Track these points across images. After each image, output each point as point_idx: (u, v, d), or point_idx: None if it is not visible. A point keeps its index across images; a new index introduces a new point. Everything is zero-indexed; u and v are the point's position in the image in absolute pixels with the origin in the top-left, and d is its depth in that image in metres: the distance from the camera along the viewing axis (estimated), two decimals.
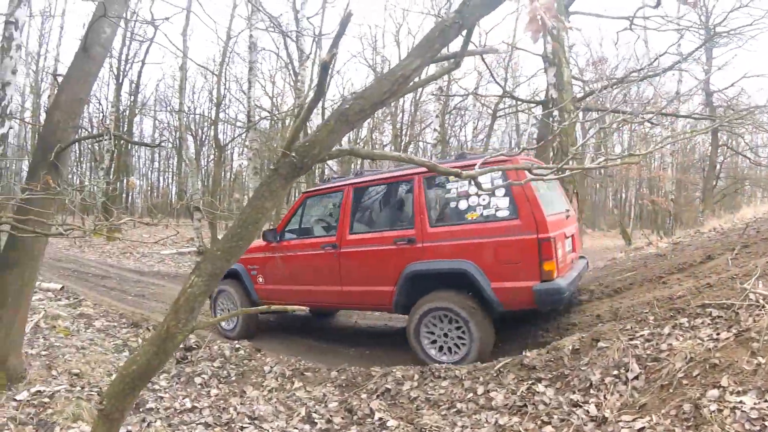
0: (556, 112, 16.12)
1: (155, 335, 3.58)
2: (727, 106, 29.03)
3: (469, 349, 7.61)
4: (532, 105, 27.39)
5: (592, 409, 5.27)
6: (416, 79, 3.49)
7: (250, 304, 10.28)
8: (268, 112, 36.43)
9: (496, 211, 7.50)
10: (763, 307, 5.49)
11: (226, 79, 36.99)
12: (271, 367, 8.22)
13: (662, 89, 32.97)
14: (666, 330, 5.97)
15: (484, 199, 7.63)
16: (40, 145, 6.81)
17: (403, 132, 39.22)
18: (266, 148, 31.59)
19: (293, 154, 3.33)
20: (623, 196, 48.56)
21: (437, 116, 29.08)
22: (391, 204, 8.89)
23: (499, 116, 35.70)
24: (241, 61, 47.75)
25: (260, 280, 10.18)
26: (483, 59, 19.01)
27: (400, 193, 8.77)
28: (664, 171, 38.99)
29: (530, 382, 6.11)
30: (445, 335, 7.85)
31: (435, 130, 28.13)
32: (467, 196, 7.82)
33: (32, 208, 5.51)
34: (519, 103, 29.78)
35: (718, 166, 35.77)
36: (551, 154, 14.83)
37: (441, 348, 7.90)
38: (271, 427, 6.36)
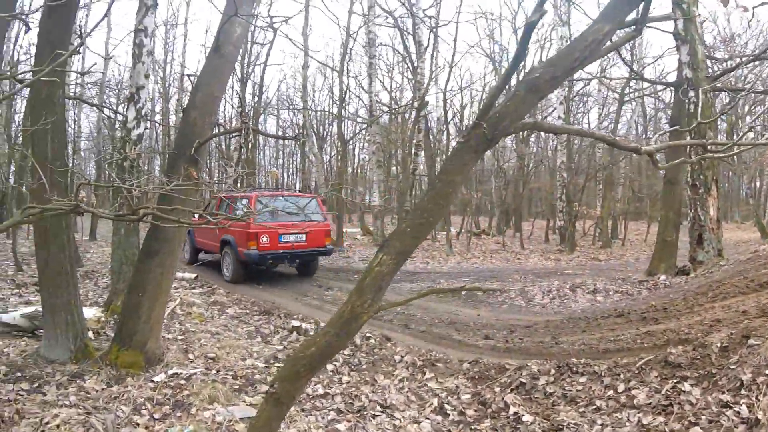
0: (691, 93, 15.31)
1: (336, 317, 3.55)
2: None
3: (231, 273, 16.37)
4: (663, 87, 26.26)
5: (744, 411, 5.00)
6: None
7: (192, 251, 19.50)
8: (387, 106, 36.64)
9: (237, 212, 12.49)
10: None
11: (346, 75, 37.47)
12: (402, 357, 8.27)
13: None
14: None
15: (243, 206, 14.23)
16: (179, 142, 7.17)
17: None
18: (388, 141, 31.78)
19: (485, 126, 3.24)
20: (758, 184, 45.96)
21: (561, 103, 28.26)
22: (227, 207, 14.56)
23: (626, 101, 34.40)
24: (358, 59, 48.35)
25: (196, 236, 19.08)
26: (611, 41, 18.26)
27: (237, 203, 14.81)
28: None
29: (675, 380, 5.87)
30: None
31: (559, 117, 27.34)
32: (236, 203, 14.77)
33: (175, 197, 5.77)
34: (647, 86, 28.64)
35: None
36: (688, 137, 14.08)
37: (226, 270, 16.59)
38: (403, 416, 6.38)
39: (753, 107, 34.26)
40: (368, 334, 9.08)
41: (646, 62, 35.26)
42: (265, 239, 15.41)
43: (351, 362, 8.16)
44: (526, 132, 32.55)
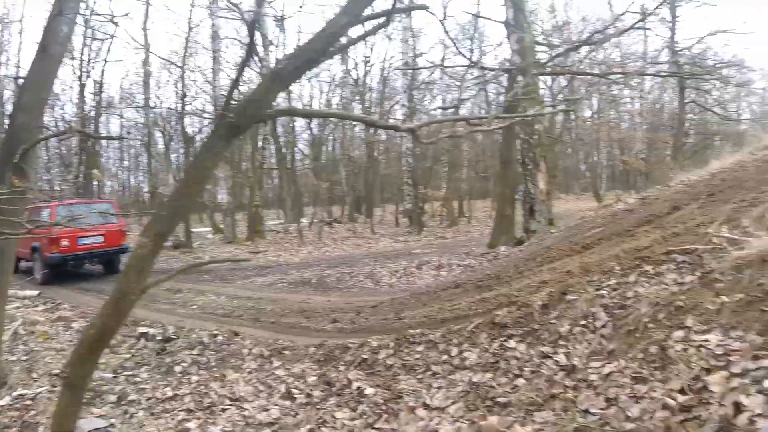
0: (519, 78, 16.14)
1: (110, 298, 3.64)
2: (693, 63, 29.30)
3: (41, 276, 17.22)
4: (499, 74, 27.34)
5: (562, 359, 5.34)
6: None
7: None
8: (235, 100, 36.05)
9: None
10: (726, 249, 5.55)
11: (191, 70, 36.56)
12: (250, 350, 8.34)
13: (628, 50, 33.22)
14: (632, 278, 6.03)
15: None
16: (4, 149, 6.76)
17: (372, 109, 39.05)
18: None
19: (230, 115, 3.34)
20: (595, 159, 48.75)
21: (404, 92, 28.92)
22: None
23: (469, 88, 35.53)
24: (205, 52, 47.31)
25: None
26: (446, 31, 19.02)
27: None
28: (634, 131, 39.19)
29: (502, 339, 6.17)
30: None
31: (404, 105, 28.02)
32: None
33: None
34: (486, 72, 29.73)
35: (687, 123, 36.00)
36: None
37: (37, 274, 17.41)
38: (252, 406, 6.46)
39: (589, 88, 36.24)
40: (215, 332, 9.05)
41: (488, 50, 36.54)
42: (65, 243, 17.34)
43: (200, 361, 8.15)
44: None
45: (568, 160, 51.21)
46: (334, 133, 42.68)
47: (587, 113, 46.60)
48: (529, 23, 17.84)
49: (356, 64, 38.88)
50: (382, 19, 3.63)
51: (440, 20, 19.41)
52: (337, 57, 35.59)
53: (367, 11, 3.41)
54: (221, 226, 30.22)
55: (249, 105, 3.35)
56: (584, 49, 21.22)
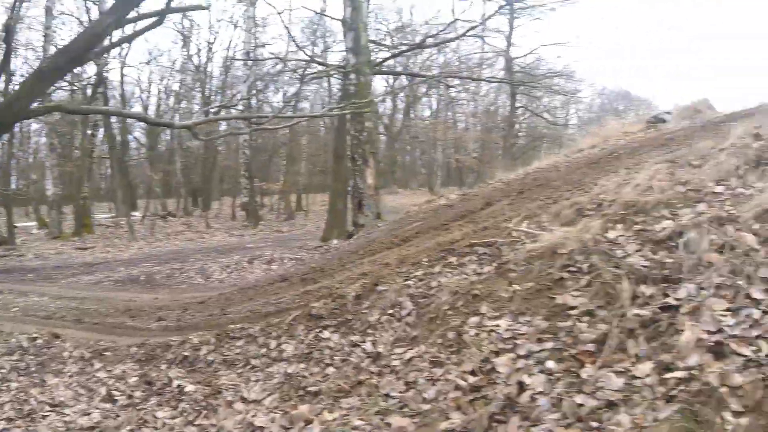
0: (353, 76, 16.45)
1: None
2: (525, 72, 31.12)
3: None
4: (339, 70, 27.67)
5: (369, 347, 5.56)
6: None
7: None
8: (69, 82, 34.37)
9: None
10: (523, 242, 5.96)
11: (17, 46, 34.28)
12: (71, 352, 8.12)
13: (468, 55, 34.55)
14: (437, 269, 6.36)
15: None
16: None
17: (212, 99, 38.26)
18: (65, 122, 29.79)
19: None
20: (432, 156, 50.27)
21: (244, 82, 28.67)
22: None
23: (314, 82, 35.60)
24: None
25: None
26: (285, 25, 19.01)
27: None
28: (468, 132, 40.76)
29: (317, 330, 6.32)
30: None
31: (242, 98, 27.74)
32: None
33: None
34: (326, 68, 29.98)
35: (518, 126, 37.98)
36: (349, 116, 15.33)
37: None
38: (73, 411, 6.33)
39: (429, 90, 37.34)
40: (35, 335, 8.74)
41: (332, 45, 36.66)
42: None
43: (19, 367, 7.88)
44: None
45: (406, 156, 52.55)
46: None
47: (426, 113, 48.08)
48: (366, 23, 18.17)
49: (198, 50, 37.87)
50: (154, 19, 3.65)
51: (278, 13, 19.35)
52: (178, 41, 34.63)
53: (139, 11, 3.43)
54: (47, 220, 28.60)
55: (12, 104, 3.29)
56: (427, 51, 22.09)
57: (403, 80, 33.98)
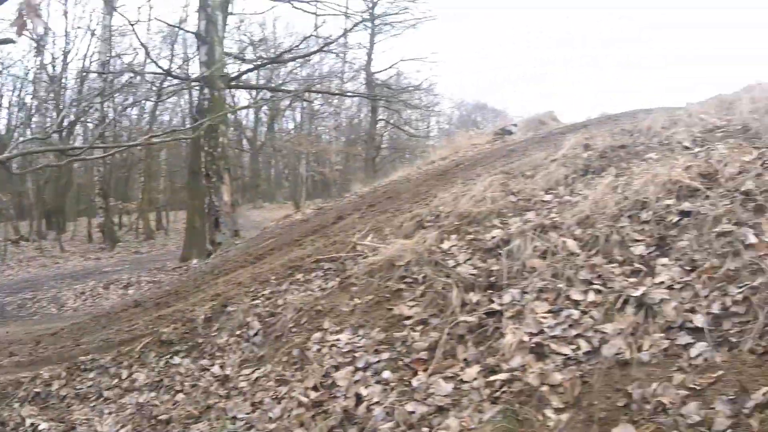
0: (206, 90, 16.28)
1: None
2: (384, 86, 31.75)
3: None
4: (192, 85, 27.18)
5: (217, 370, 5.55)
6: None
7: None
8: None
9: None
10: (366, 255, 6.09)
11: None
12: None
13: (330, 69, 34.77)
14: (284, 286, 6.43)
15: None
16: None
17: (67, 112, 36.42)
18: None
19: None
20: (297, 169, 50.22)
21: (97, 95, 27.61)
22: None
23: (172, 95, 34.64)
24: None
25: None
26: (138, 37, 18.56)
27: None
28: (330, 144, 41.01)
29: (168, 356, 6.23)
30: None
31: (96, 110, 26.70)
32: None
33: None
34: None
35: (379, 138, 38.59)
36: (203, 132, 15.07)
37: None
38: None
39: (292, 103, 37.28)
40: None
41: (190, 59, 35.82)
42: None
43: None
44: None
45: (271, 169, 52.22)
46: None
47: (291, 125, 47.97)
48: (221, 37, 17.98)
49: (53, 59, 35.84)
50: None
51: (131, 24, 18.81)
52: (32, 48, 32.84)
53: None
54: None
55: None
56: (291, 64, 22.04)
57: (267, 93, 33.75)
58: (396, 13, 26.00)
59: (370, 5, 29.35)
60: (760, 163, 5.25)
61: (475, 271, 4.82)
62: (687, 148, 6.35)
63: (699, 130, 6.92)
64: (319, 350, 4.90)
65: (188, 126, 24.23)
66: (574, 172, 6.42)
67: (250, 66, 23.18)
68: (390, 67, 32.97)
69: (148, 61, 29.08)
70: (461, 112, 51.32)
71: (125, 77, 28.36)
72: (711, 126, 7.00)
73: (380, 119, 37.61)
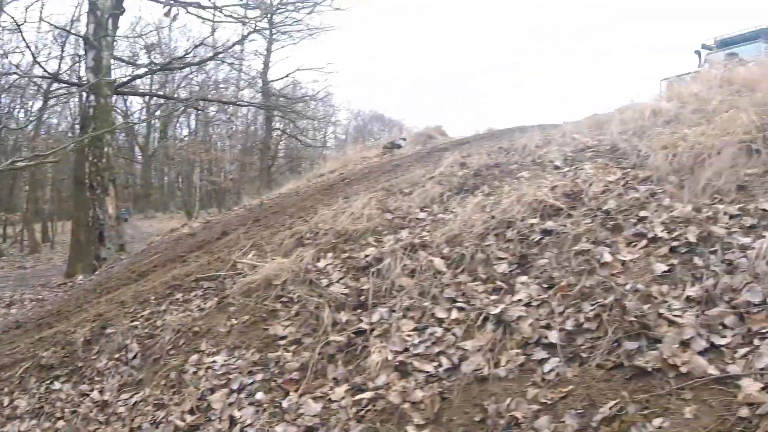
0: (92, 96, 15.85)
1: None
2: (280, 95, 31.59)
3: None
4: (79, 90, 26.36)
5: (96, 395, 5.48)
6: None
7: None
8: None
9: None
10: (245, 273, 6.13)
11: None
12: None
13: (226, 76, 34.33)
14: (164, 307, 6.40)
15: None
16: None
17: None
18: None
19: None
20: (190, 178, 49.33)
21: None
22: None
23: (61, 99, 33.31)
24: None
25: None
26: (23, 37, 17.84)
27: None
28: (224, 153, 40.52)
29: (48, 381, 6.10)
30: None
31: None
32: None
33: None
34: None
35: (276, 147, 38.42)
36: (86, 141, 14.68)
37: None
38: None
39: (186, 110, 36.59)
40: None
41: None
42: None
43: None
44: None
45: (164, 178, 51.13)
46: None
47: (185, 132, 47.07)
48: (110, 41, 17.51)
49: None
50: None
51: (18, 26, 17.99)
52: None
53: None
54: None
55: None
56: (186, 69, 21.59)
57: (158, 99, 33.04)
58: (291, 24, 25.81)
59: (267, 14, 29.14)
60: (623, 183, 5.59)
61: (346, 291, 4.96)
62: (557, 167, 6.67)
63: (571, 149, 7.26)
64: (195, 373, 4.92)
65: (76, 136, 23.53)
66: (450, 190, 6.65)
67: (141, 72, 22.65)
68: (286, 76, 32.86)
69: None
70: (358, 122, 51.76)
71: (12, 78, 27.29)
72: (582, 145, 7.36)
73: (276, 128, 37.48)
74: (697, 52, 17.27)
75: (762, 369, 3.03)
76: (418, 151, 12.41)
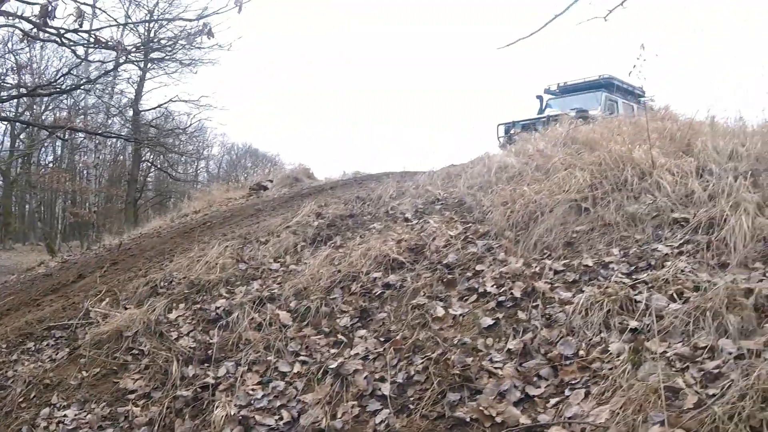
0: None
1: None
2: (150, 125, 30.96)
3: None
4: None
5: None
6: None
7: None
8: None
9: None
10: (97, 323, 6.11)
11: None
12: None
13: (95, 102, 33.28)
14: (15, 356, 6.24)
15: None
16: None
17: None
18: None
19: None
20: (53, 208, 47.39)
21: None
22: None
23: None
24: None
25: None
26: None
27: None
28: (89, 184, 39.27)
29: None
30: None
31: None
32: None
33: None
34: None
35: (141, 180, 37.52)
36: None
37: None
38: None
39: (50, 136, 35.25)
40: None
41: None
42: None
43: None
44: None
45: (25, 206, 48.92)
46: None
47: (51, 157, 45.28)
48: None
49: None
50: None
51: None
52: None
53: None
54: None
55: None
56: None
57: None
58: (164, 57, 25.39)
59: (140, 43, 28.55)
60: (463, 238, 5.99)
61: (194, 344, 5.09)
62: (407, 219, 7.02)
63: (422, 201, 7.65)
64: (47, 427, 4.89)
65: None
66: (304, 240, 6.89)
67: (3, 95, 21.75)
68: (158, 107, 32.29)
69: None
70: (231, 156, 51.24)
71: None
72: (433, 198, 7.75)
73: (145, 159, 36.70)
74: (539, 97, 17.56)
75: (570, 418, 3.36)
76: (283, 194, 12.55)
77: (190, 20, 10.04)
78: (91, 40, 9.70)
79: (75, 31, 9.26)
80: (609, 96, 16.33)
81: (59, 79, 22.17)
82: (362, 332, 4.73)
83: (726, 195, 5.08)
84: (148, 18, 22.02)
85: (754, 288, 3.72)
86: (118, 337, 5.54)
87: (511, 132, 14.90)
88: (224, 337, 5.04)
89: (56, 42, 10.86)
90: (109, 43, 9.70)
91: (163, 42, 20.11)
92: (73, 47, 11.60)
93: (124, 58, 23.45)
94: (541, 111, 16.82)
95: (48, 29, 8.84)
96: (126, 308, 6.13)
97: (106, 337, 5.62)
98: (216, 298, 5.75)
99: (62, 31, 9.56)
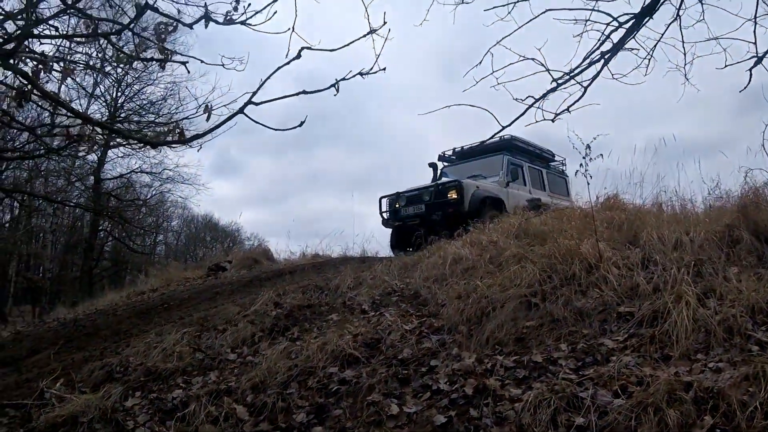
0: None
1: None
2: (111, 195, 30.86)
3: None
4: None
5: None
6: None
7: None
8: None
9: None
10: (52, 405, 6.02)
11: None
12: None
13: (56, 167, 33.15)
14: None
15: None
16: None
17: None
18: None
19: None
20: (6, 270, 46.43)
21: None
22: None
23: None
24: None
25: None
26: None
27: None
28: (44, 249, 38.76)
29: None
30: None
31: None
32: None
33: None
34: None
35: (98, 248, 37.12)
36: None
37: None
38: None
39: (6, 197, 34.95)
40: None
41: None
42: None
43: None
44: None
45: None
46: None
47: (7, 217, 44.68)
48: None
49: None
50: None
51: None
52: None
53: None
54: None
55: None
56: None
57: None
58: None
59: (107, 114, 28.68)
60: (418, 332, 6.13)
61: None
62: (364, 311, 7.16)
63: (379, 292, 7.79)
64: None
65: None
66: (262, 330, 6.95)
67: None
68: (120, 177, 32.29)
69: None
70: (191, 229, 51.09)
71: None
72: (390, 289, 7.91)
73: (103, 228, 36.43)
74: (433, 165, 16.31)
75: None
76: (242, 276, 12.57)
77: (164, 123, 10.23)
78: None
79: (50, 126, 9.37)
80: (512, 160, 15.56)
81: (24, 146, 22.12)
82: (318, 429, 4.78)
83: (669, 287, 5.33)
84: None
85: (693, 381, 3.88)
86: (73, 423, 5.45)
87: (396, 206, 14.58)
88: (181, 429, 5.05)
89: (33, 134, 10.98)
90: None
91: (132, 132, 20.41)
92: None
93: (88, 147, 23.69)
94: (435, 180, 15.69)
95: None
96: (82, 392, 6.07)
97: (60, 422, 5.53)
98: (173, 388, 5.76)
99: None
